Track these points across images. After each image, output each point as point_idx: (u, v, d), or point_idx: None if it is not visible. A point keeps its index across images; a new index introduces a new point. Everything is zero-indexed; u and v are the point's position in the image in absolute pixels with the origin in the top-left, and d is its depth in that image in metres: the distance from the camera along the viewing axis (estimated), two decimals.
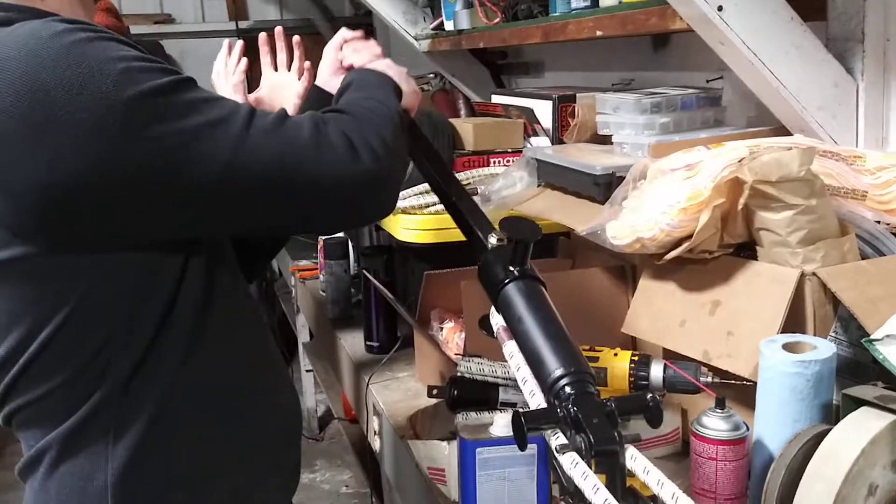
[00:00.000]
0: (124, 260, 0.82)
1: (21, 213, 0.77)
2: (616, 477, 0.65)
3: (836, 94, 1.26)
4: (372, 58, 1.15)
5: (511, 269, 0.89)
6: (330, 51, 1.22)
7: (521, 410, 0.73)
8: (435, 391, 1.27)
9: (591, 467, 0.65)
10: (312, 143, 0.85)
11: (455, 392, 1.24)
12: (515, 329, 0.85)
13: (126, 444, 0.85)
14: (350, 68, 1.17)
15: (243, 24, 4.27)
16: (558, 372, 0.77)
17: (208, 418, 0.92)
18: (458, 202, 1.06)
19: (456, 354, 1.43)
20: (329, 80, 1.21)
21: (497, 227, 0.97)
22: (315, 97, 1.21)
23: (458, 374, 1.26)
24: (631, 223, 1.17)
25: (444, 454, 1.16)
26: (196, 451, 0.91)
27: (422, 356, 1.53)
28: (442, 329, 1.54)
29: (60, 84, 0.73)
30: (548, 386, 0.77)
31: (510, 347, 0.87)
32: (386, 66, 1.12)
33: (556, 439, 0.70)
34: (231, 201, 0.82)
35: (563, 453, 0.67)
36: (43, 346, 0.82)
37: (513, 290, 0.88)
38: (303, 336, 2.99)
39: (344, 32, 1.23)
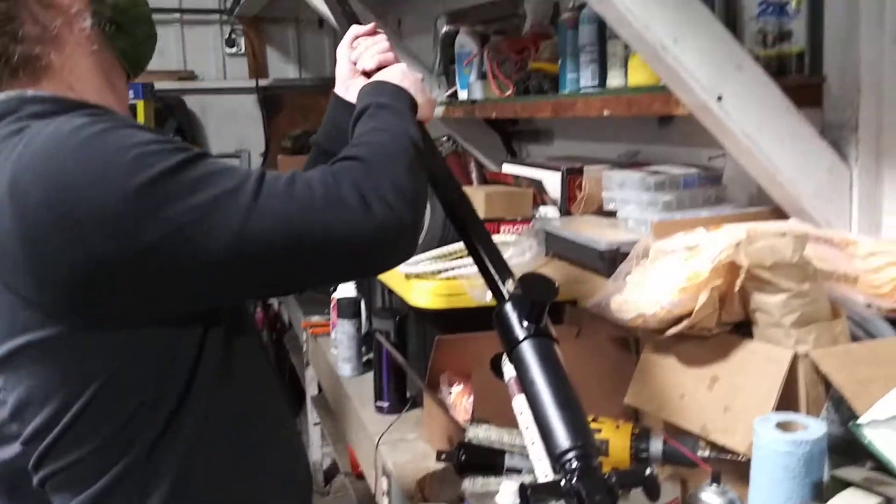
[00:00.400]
0: (149, 335, 0.88)
1: (55, 296, 0.83)
2: None
3: (830, 180, 1.33)
4: (383, 60, 1.16)
5: (527, 324, 0.91)
6: (343, 51, 1.23)
7: (527, 483, 0.78)
8: (443, 455, 1.32)
9: None
10: (323, 202, 0.87)
11: (463, 457, 1.29)
12: (528, 390, 0.89)
13: None
14: (364, 73, 1.18)
15: (263, 82, 4.41)
16: (566, 445, 0.81)
17: (226, 482, 0.96)
18: (475, 240, 1.06)
19: (464, 419, 1.48)
20: (347, 84, 1.22)
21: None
22: (335, 111, 1.23)
23: (467, 439, 1.30)
24: (634, 299, 1.23)
25: None
26: None
27: (430, 419, 1.58)
28: (451, 393, 1.59)
29: (82, 175, 0.80)
30: (555, 457, 0.82)
31: (520, 403, 0.91)
32: (401, 74, 1.12)
33: None
34: (246, 268, 0.86)
35: None
36: (75, 418, 0.87)
37: (527, 349, 0.91)
38: (311, 389, 3.03)
39: (355, 29, 1.23)
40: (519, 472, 1.27)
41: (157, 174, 0.81)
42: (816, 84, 1.39)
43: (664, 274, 1.19)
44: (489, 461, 1.29)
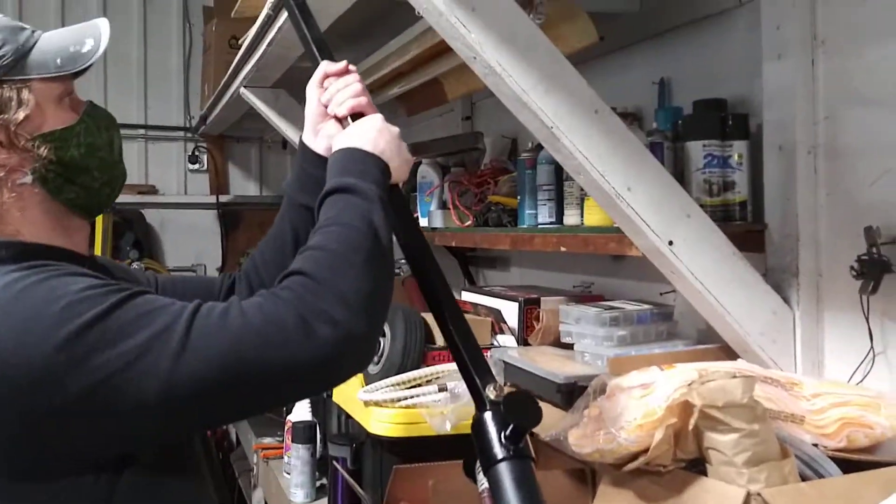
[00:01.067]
0: (80, 484, 0.87)
1: None
2: None
3: (774, 321, 1.40)
4: (356, 105, 1.13)
5: (507, 443, 0.90)
6: (312, 91, 1.20)
7: None
8: None
9: None
10: (259, 332, 0.84)
11: None
12: None
13: None
14: (336, 119, 1.15)
15: (224, 198, 4.47)
16: None
17: None
18: (454, 331, 1.03)
19: None
20: (316, 128, 1.20)
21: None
22: (304, 160, 1.21)
23: None
24: (591, 433, 1.26)
25: None
26: None
27: None
28: None
29: (9, 333, 0.82)
30: None
31: None
32: (375, 132, 1.08)
33: None
34: (180, 409, 0.85)
35: None
36: None
37: (505, 471, 0.90)
38: None
39: (325, 66, 1.20)
40: None
41: (84, 323, 0.82)
42: (759, 231, 1.48)
43: (620, 411, 1.22)
44: None
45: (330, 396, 1.98)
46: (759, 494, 1.12)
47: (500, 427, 0.91)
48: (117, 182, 1.06)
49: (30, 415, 0.82)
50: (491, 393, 0.94)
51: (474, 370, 0.98)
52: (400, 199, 1.13)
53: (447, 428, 1.59)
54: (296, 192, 1.22)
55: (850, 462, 1.21)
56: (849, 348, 1.36)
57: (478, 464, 0.94)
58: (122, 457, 0.89)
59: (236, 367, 0.84)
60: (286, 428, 2.17)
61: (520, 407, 0.92)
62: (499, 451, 0.90)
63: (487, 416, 0.93)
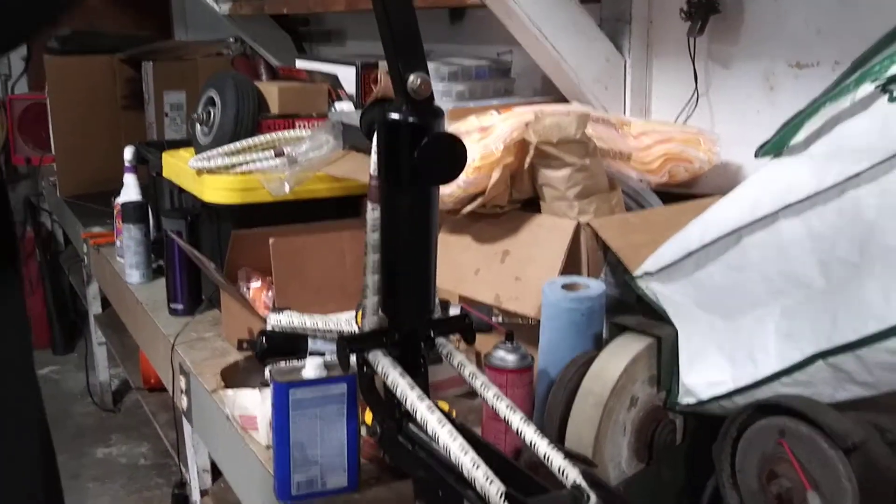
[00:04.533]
0: None
1: None
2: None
3: (607, 68, 1.42)
4: None
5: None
6: None
7: (345, 335, 0.77)
8: (245, 344, 1.31)
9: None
10: None
11: (265, 344, 1.29)
12: None
13: None
14: None
15: None
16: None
17: None
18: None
19: (265, 313, 1.47)
20: None
21: None
22: None
23: (269, 327, 1.30)
24: None
25: (255, 402, 1.20)
26: None
27: (229, 315, 1.55)
28: (249, 289, 1.56)
29: None
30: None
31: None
32: None
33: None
34: None
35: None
36: None
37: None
38: (94, 308, 2.86)
39: None
40: (322, 355, 1.29)
41: None
42: None
43: None
44: (292, 346, 1.30)
45: (160, 174, 1.88)
46: (588, 224, 1.18)
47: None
48: None
49: None
50: (414, 89, 0.66)
51: (396, 53, 0.69)
52: None
53: (286, 191, 1.55)
54: None
55: (671, 194, 1.29)
56: (675, 92, 1.41)
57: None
58: None
59: None
60: (115, 212, 2.07)
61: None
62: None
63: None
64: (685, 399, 0.94)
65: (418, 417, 0.63)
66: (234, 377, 1.33)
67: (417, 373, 0.71)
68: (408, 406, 0.65)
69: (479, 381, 0.70)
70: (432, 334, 0.77)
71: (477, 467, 0.58)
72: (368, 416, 1.15)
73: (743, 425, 0.86)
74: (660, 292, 0.99)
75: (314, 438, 1.06)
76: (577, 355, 1.01)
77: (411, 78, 0.65)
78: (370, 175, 0.69)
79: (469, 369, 0.72)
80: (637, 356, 0.94)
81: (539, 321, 1.12)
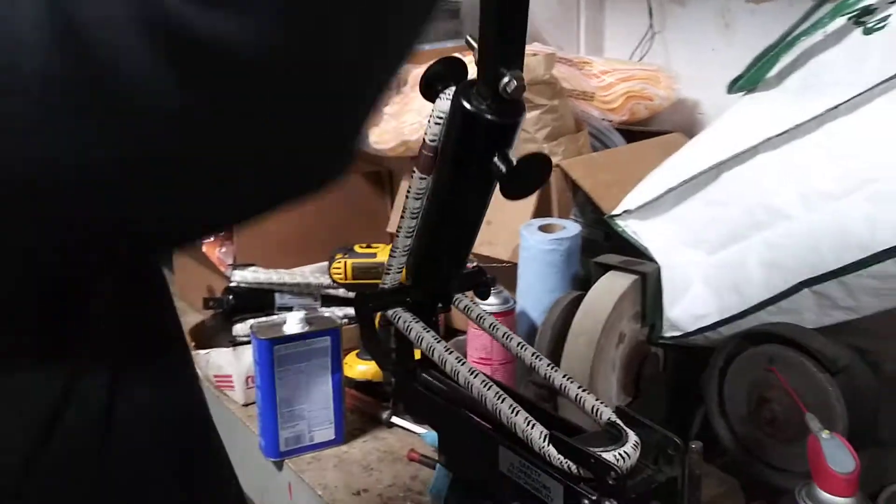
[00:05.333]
0: None
1: None
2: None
3: (561, 8, 1.42)
4: None
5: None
6: None
7: (365, 292, 0.73)
8: (211, 303, 1.27)
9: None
10: None
11: (232, 301, 1.26)
12: None
13: None
14: None
15: None
16: None
17: None
18: None
19: (224, 268, 1.43)
20: None
21: None
22: None
23: (234, 283, 1.27)
24: (394, 127, 1.24)
25: (229, 361, 1.18)
26: None
27: (184, 274, 1.51)
28: (201, 245, 1.52)
29: None
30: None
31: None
32: None
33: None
34: None
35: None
36: None
37: None
38: None
39: None
40: (290, 309, 1.27)
41: None
42: None
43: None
44: (259, 302, 1.28)
45: None
46: (557, 165, 1.18)
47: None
48: None
49: None
50: (508, 86, 0.53)
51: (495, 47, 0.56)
52: None
53: None
54: None
55: (634, 132, 1.30)
56: (629, 30, 1.41)
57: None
58: None
59: None
60: None
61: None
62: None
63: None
64: (670, 332, 0.97)
65: (448, 369, 0.63)
66: (202, 337, 1.30)
67: (434, 327, 0.70)
68: (435, 359, 0.64)
69: (501, 332, 0.70)
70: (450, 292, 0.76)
71: (516, 412, 0.58)
72: (349, 370, 1.15)
73: (731, 355, 0.89)
74: (640, 230, 1.01)
75: (300, 394, 1.04)
76: (559, 296, 1.02)
77: (507, 78, 0.53)
78: (424, 141, 0.62)
79: (489, 321, 0.72)
80: (624, 294, 0.96)
81: (514, 264, 1.13)
